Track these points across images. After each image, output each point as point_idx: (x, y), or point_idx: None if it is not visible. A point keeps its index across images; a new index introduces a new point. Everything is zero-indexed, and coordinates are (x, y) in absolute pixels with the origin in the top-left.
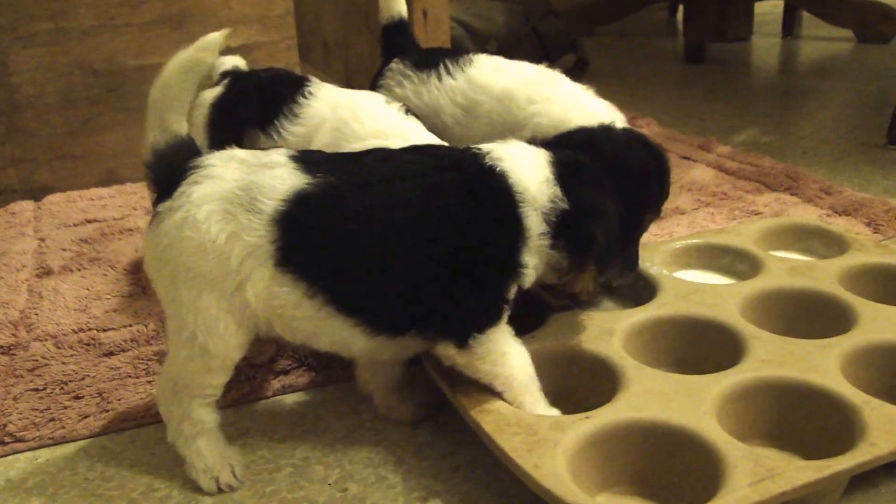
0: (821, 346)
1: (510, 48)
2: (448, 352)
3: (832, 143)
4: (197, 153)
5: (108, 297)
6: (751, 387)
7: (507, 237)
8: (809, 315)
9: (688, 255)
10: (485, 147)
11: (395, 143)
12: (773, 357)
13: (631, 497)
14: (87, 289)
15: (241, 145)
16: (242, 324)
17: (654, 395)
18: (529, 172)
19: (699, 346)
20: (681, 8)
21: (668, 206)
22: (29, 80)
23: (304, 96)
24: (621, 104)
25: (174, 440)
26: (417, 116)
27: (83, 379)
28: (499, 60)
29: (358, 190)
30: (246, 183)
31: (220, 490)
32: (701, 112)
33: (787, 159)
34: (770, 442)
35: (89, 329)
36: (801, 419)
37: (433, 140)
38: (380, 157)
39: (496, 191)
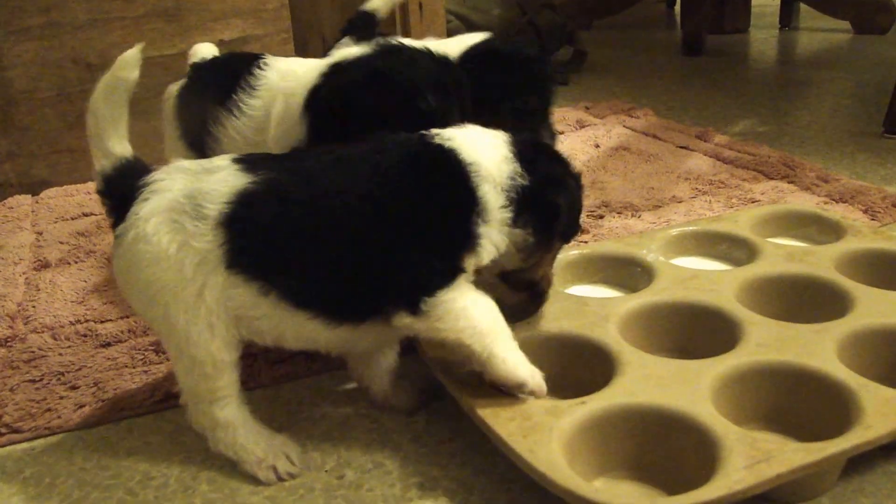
0: (817, 331)
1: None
2: (404, 321)
3: (829, 132)
4: (145, 172)
5: (105, 288)
6: (747, 371)
7: (457, 208)
8: (806, 300)
9: (684, 243)
10: (435, 131)
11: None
12: (769, 341)
13: (627, 482)
14: (84, 281)
15: (207, 128)
16: (215, 327)
17: (650, 380)
18: (483, 150)
19: (696, 332)
20: (679, 0)
21: (665, 194)
22: (23, 74)
23: (260, 68)
24: (619, 96)
25: (217, 449)
26: None
27: (80, 369)
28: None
29: (301, 182)
30: (190, 191)
31: (281, 479)
32: (699, 103)
33: (784, 149)
34: (766, 426)
35: (86, 320)
36: (798, 403)
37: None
38: (324, 151)
39: (444, 165)
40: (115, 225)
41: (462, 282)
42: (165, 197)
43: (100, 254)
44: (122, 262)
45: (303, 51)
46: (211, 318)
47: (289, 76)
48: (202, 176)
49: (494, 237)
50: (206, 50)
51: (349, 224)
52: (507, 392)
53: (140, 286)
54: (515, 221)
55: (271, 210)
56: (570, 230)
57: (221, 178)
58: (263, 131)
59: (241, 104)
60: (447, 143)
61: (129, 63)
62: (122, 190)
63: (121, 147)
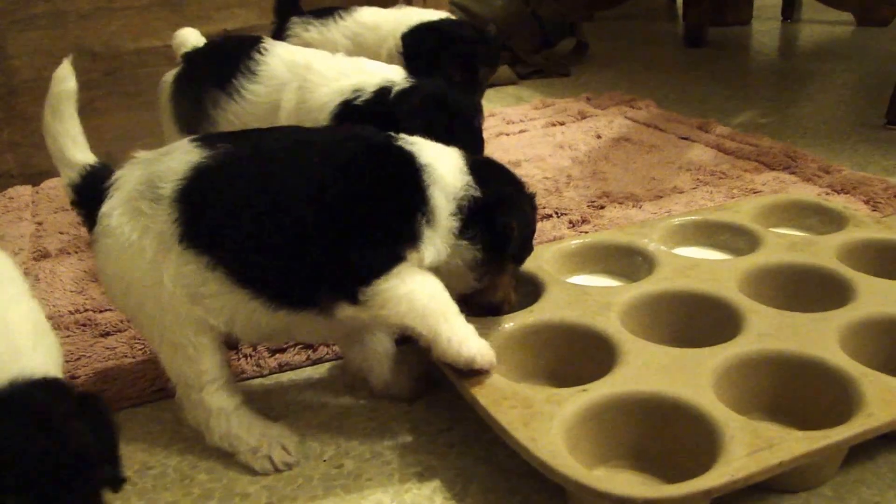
0: (819, 320)
1: (509, 31)
2: (347, 312)
3: (831, 123)
4: (110, 174)
5: None
6: (748, 359)
7: (403, 204)
8: (807, 290)
9: (685, 232)
10: (400, 135)
11: (360, 77)
12: (771, 330)
13: (628, 470)
14: (84, 271)
15: (204, 112)
16: (179, 309)
17: (651, 369)
18: (440, 158)
19: (697, 321)
20: None
21: (666, 184)
22: (27, 63)
23: (260, 52)
24: (621, 87)
25: (214, 442)
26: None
27: (79, 359)
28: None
29: (255, 160)
30: (147, 175)
31: (277, 469)
32: (700, 95)
33: (786, 140)
34: (768, 414)
35: (86, 310)
36: (799, 392)
37: (385, 69)
38: (286, 131)
39: (399, 163)
40: (90, 229)
41: (403, 268)
42: (125, 189)
43: None
44: (98, 262)
45: None
46: (173, 301)
47: (298, 68)
48: (159, 159)
49: (437, 243)
50: (192, 37)
51: (296, 207)
52: (463, 371)
53: (114, 281)
54: (463, 233)
55: (222, 184)
56: (523, 252)
57: (177, 157)
58: (264, 118)
59: (241, 89)
60: (407, 146)
61: (63, 76)
62: (92, 196)
63: (82, 155)
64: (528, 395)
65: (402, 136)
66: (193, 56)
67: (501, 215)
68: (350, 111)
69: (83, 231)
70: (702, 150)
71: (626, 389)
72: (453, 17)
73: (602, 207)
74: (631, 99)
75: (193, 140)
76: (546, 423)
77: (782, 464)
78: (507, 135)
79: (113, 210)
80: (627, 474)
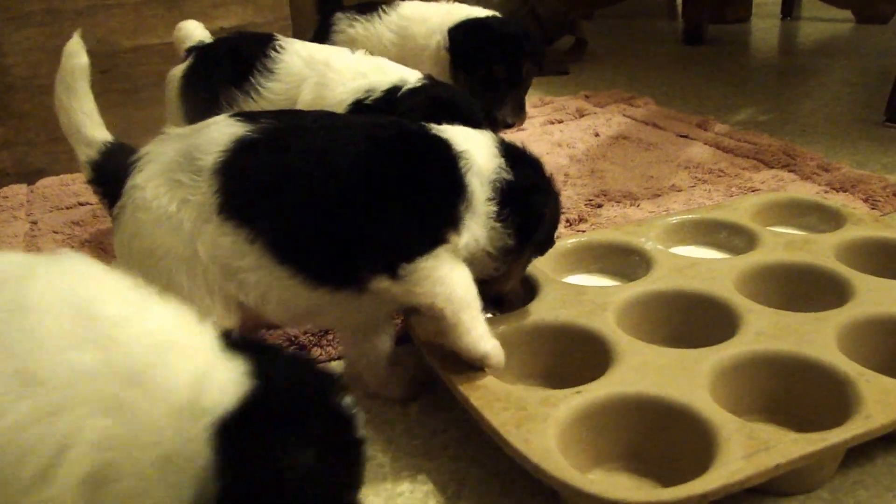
0: (816, 320)
1: None
2: (383, 284)
3: (831, 121)
4: (132, 151)
5: None
6: (745, 360)
7: (445, 192)
8: (805, 289)
9: (683, 231)
10: (429, 124)
11: (376, 77)
12: (768, 330)
13: (623, 473)
14: None
15: (217, 110)
16: (211, 285)
17: (647, 370)
18: (474, 144)
19: (694, 321)
20: None
21: (664, 183)
22: (22, 61)
23: (276, 50)
24: (619, 84)
25: None
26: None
27: None
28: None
29: (299, 134)
30: (185, 148)
31: None
32: (700, 92)
33: (785, 137)
34: (765, 416)
35: None
36: (797, 392)
37: (403, 71)
38: (324, 113)
39: (438, 150)
40: (111, 206)
41: (442, 251)
42: (160, 161)
43: (95, 244)
44: (124, 236)
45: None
46: (207, 276)
47: (317, 64)
48: (196, 133)
49: (475, 229)
50: (197, 31)
51: (340, 183)
52: (470, 363)
53: (142, 257)
54: (499, 215)
55: (266, 158)
56: (546, 242)
57: (217, 129)
58: None
59: (259, 87)
60: (442, 134)
61: (75, 51)
62: (113, 172)
63: (100, 133)
64: (521, 396)
65: (431, 125)
66: (204, 53)
67: (536, 199)
68: (360, 110)
69: (77, 230)
70: (700, 148)
71: (622, 391)
72: (499, 15)
73: (600, 206)
74: (630, 97)
75: (233, 115)
76: (539, 425)
77: (779, 466)
78: (505, 132)
79: (148, 182)
80: (622, 477)
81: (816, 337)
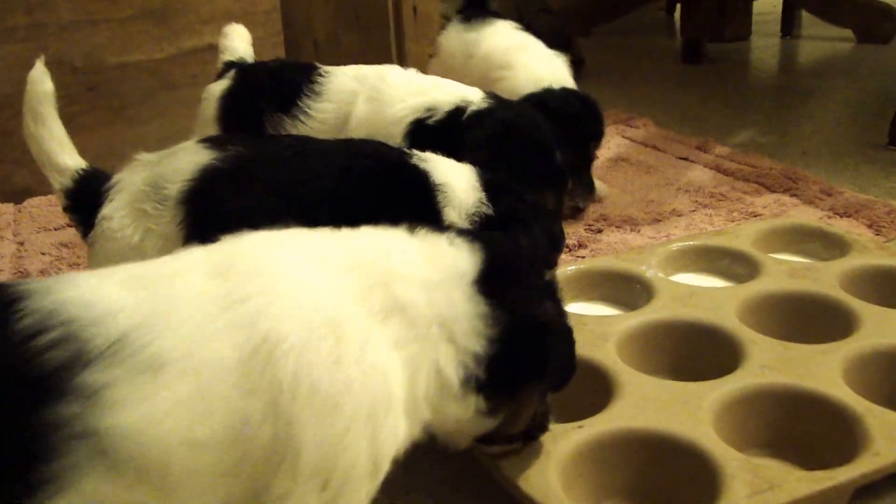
0: (822, 352)
1: None
2: None
3: (832, 143)
4: (106, 178)
5: None
6: (749, 394)
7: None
8: (809, 319)
9: (684, 258)
10: (414, 151)
11: (436, 94)
12: (772, 363)
13: None
14: None
15: (261, 132)
16: None
17: (649, 403)
18: (454, 176)
19: (696, 352)
20: (678, 6)
21: (664, 207)
22: (5, 77)
23: (321, 75)
24: (617, 104)
25: None
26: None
27: None
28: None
29: (268, 163)
30: (151, 177)
31: None
32: (698, 112)
33: (786, 160)
34: (769, 451)
35: None
36: (802, 427)
37: (463, 89)
38: (299, 139)
39: (414, 183)
40: (86, 235)
41: None
42: (129, 190)
43: (83, 266)
44: (95, 267)
45: (295, 56)
46: None
47: (369, 79)
48: (164, 160)
49: None
50: (242, 46)
51: (309, 218)
52: None
53: None
54: None
55: (232, 188)
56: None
57: (183, 157)
58: (331, 134)
59: (308, 109)
60: (421, 164)
61: (39, 77)
62: (88, 200)
63: (72, 159)
64: None
65: (415, 152)
66: (245, 75)
67: (511, 232)
68: (422, 130)
69: (65, 252)
70: (701, 171)
71: (624, 425)
72: (566, 87)
73: (600, 231)
74: (628, 117)
75: (202, 141)
76: (540, 459)
77: None
78: None
79: (115, 212)
80: None
81: (822, 370)
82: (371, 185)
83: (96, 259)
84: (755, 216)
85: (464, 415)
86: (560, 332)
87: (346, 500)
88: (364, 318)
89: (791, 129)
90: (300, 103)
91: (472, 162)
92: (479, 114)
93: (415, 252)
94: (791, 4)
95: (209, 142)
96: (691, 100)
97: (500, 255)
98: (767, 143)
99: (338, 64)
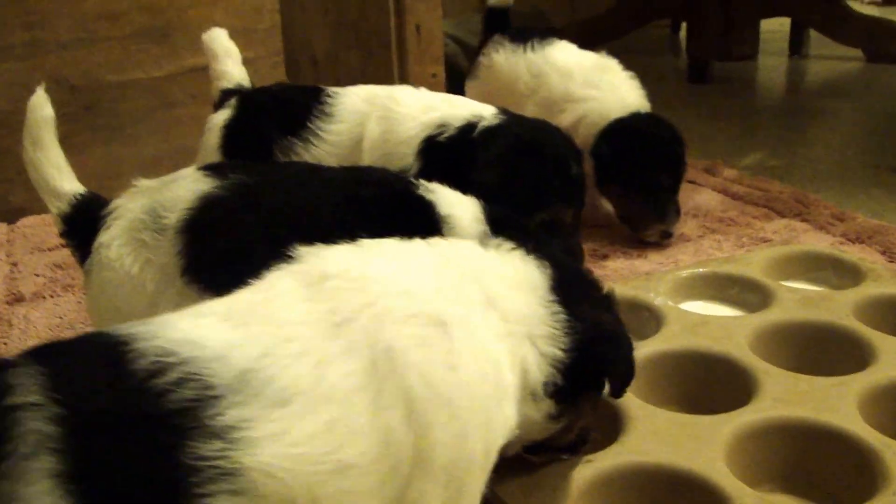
0: (837, 384)
1: None
2: None
3: (843, 166)
4: (104, 203)
5: (83, 325)
6: (762, 428)
7: None
8: (823, 350)
9: (694, 285)
10: (420, 181)
11: (448, 110)
12: (786, 395)
13: None
14: (60, 317)
15: (269, 158)
16: None
17: (659, 437)
18: (459, 208)
19: (707, 383)
20: (684, 25)
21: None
22: (2, 95)
23: (329, 96)
24: None
25: None
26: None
27: None
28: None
29: (270, 191)
30: (150, 205)
31: None
32: (705, 133)
33: (796, 183)
34: (783, 486)
35: None
36: (817, 463)
37: (475, 104)
38: (304, 166)
39: (419, 213)
40: (83, 261)
41: None
42: (126, 217)
43: (78, 288)
44: (92, 295)
45: (293, 73)
46: None
47: (379, 99)
48: (163, 188)
49: None
50: (237, 72)
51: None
52: None
53: (110, 316)
54: None
55: (233, 218)
56: None
57: (184, 185)
58: (347, 156)
59: (319, 131)
60: (427, 195)
61: (39, 104)
62: (85, 226)
63: (69, 184)
64: (529, 462)
65: (421, 182)
66: (247, 101)
67: None
68: (433, 147)
69: (59, 273)
70: (709, 195)
71: (634, 460)
72: (653, 114)
73: (605, 257)
74: None
75: (203, 168)
76: (548, 494)
77: None
78: None
79: (112, 241)
80: None
81: (837, 403)
82: (376, 215)
83: (93, 287)
84: (765, 241)
85: (534, 417)
86: (625, 341)
87: (466, 493)
88: (467, 313)
89: (800, 151)
90: (310, 125)
91: (484, 179)
92: (490, 129)
93: (492, 257)
94: (799, 23)
95: (210, 169)
96: (697, 121)
97: (565, 267)
98: (777, 165)
99: (338, 82)
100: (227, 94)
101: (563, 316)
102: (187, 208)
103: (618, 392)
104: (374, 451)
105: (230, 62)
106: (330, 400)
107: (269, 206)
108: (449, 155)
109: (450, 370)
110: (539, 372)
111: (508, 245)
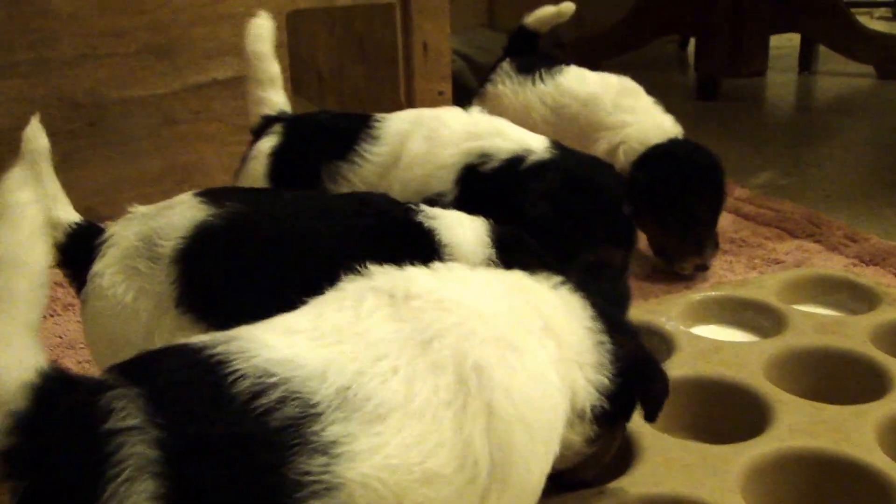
0: (855, 413)
1: None
2: None
3: (856, 185)
4: (99, 232)
5: (82, 346)
6: (779, 458)
7: None
8: (839, 377)
9: (706, 309)
10: (423, 206)
11: (493, 141)
12: (802, 425)
13: None
14: (60, 337)
15: (317, 186)
16: None
17: (673, 467)
18: (462, 233)
19: (720, 411)
20: (692, 40)
21: None
22: (6, 112)
23: (377, 120)
24: None
25: None
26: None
27: None
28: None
29: (267, 221)
30: (144, 232)
31: None
32: (715, 151)
33: (808, 203)
34: None
35: None
36: (835, 494)
37: (525, 135)
38: (301, 195)
39: (417, 241)
40: (79, 290)
41: None
42: (120, 247)
43: (78, 307)
44: (87, 325)
45: (297, 89)
46: None
47: (424, 118)
48: (158, 215)
49: None
50: (280, 99)
51: (310, 277)
52: None
53: (105, 345)
54: None
55: (229, 247)
56: None
57: (179, 212)
58: (385, 175)
59: (364, 153)
60: (427, 222)
61: (34, 135)
62: (80, 255)
63: (65, 213)
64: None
65: (423, 208)
66: (297, 129)
67: None
68: (475, 178)
69: (60, 292)
70: (721, 215)
71: (647, 491)
72: (675, 135)
73: None
74: None
75: (198, 194)
76: None
77: None
78: None
79: (106, 269)
80: None
81: (855, 433)
82: (373, 245)
83: (88, 317)
84: (777, 263)
85: (574, 440)
86: (659, 366)
87: None
88: (534, 339)
89: (812, 170)
90: (357, 148)
91: (532, 214)
92: (541, 164)
93: (544, 287)
94: (809, 39)
95: (206, 196)
96: (706, 138)
97: (602, 297)
98: (788, 184)
99: (343, 98)
100: (269, 121)
101: (608, 345)
102: (182, 237)
103: (653, 416)
104: (456, 461)
105: (272, 90)
106: (422, 414)
107: (264, 235)
108: (494, 186)
109: (527, 392)
110: (587, 397)
111: (556, 278)
